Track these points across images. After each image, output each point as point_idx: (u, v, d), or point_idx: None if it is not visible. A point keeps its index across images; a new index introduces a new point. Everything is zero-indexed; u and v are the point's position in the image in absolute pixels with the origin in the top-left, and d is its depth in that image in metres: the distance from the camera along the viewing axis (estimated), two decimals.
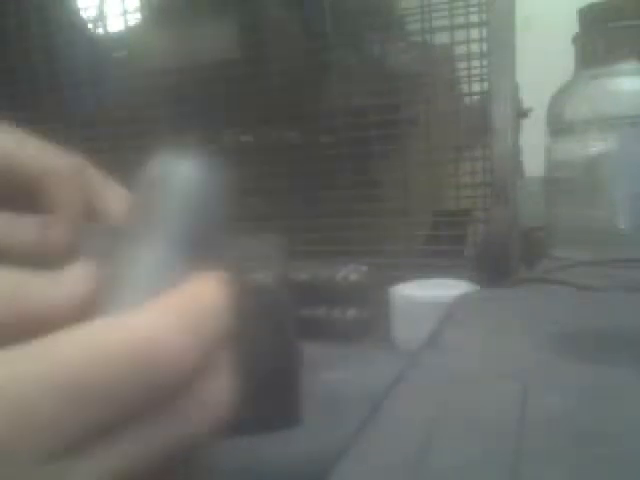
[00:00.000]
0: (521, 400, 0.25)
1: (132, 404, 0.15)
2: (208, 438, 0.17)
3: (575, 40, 0.72)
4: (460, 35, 0.67)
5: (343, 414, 0.39)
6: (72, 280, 0.17)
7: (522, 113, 0.76)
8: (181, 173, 0.18)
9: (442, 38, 0.68)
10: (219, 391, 0.17)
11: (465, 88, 0.71)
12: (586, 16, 0.70)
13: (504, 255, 0.63)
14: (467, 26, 0.66)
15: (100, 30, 0.80)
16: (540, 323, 0.36)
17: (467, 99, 0.72)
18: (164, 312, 0.16)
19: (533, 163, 0.83)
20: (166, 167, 0.18)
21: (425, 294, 0.52)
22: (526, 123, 0.82)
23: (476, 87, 0.69)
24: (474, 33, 0.66)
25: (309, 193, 0.71)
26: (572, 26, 0.72)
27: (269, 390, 0.38)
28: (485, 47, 0.65)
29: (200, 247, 0.18)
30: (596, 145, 0.66)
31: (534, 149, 0.77)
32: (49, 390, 0.14)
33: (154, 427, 0.16)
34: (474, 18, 0.66)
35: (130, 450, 0.15)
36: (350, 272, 0.57)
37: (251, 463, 0.36)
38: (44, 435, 0.14)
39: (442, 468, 0.20)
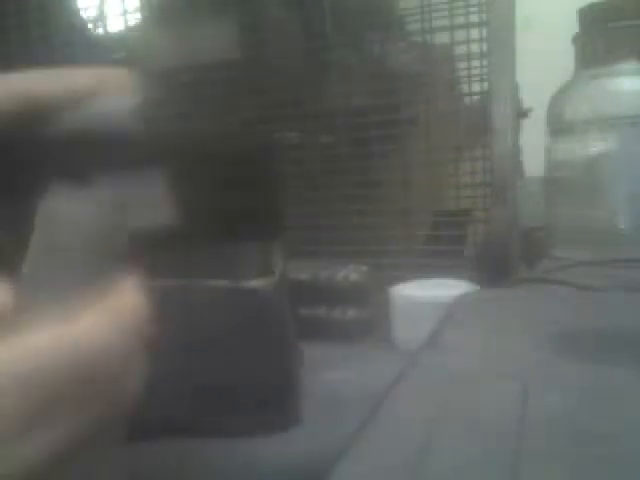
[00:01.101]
0: (521, 400, 0.25)
1: (72, 395, 0.17)
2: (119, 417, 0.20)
3: (575, 40, 0.72)
4: (460, 35, 0.67)
5: (343, 414, 0.39)
6: None
7: (522, 113, 0.76)
8: (74, 209, 0.19)
9: (442, 38, 0.68)
10: (134, 380, 0.20)
11: (465, 88, 0.71)
12: (586, 16, 0.70)
13: (504, 255, 0.63)
14: (467, 26, 0.66)
15: (100, 30, 0.80)
16: (540, 323, 0.36)
17: (467, 99, 0.72)
18: (98, 316, 0.18)
19: (533, 163, 0.83)
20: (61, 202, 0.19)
21: (425, 294, 0.52)
22: (526, 123, 0.82)
23: (476, 87, 0.69)
24: (474, 33, 0.66)
25: (309, 193, 0.71)
26: (572, 26, 0.72)
27: (269, 390, 0.38)
28: (485, 47, 0.65)
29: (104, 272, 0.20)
30: (596, 145, 0.66)
31: (534, 149, 0.77)
32: (12, 381, 0.16)
33: (83, 413, 0.18)
34: (474, 18, 0.66)
35: (61, 434, 0.17)
36: (350, 272, 0.57)
37: (251, 463, 0.36)
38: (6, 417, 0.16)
39: (442, 468, 0.20)
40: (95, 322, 0.18)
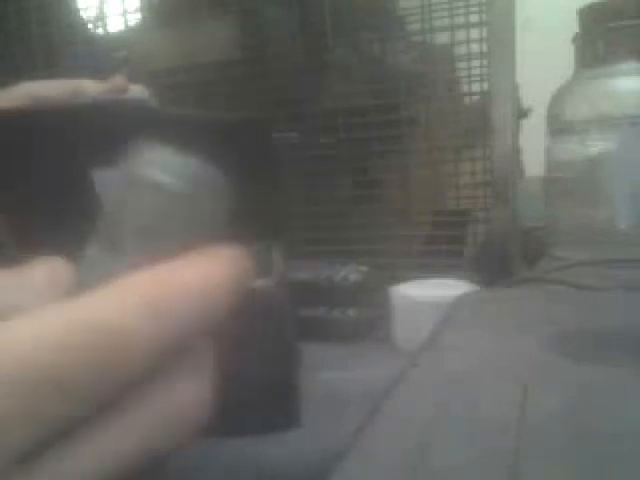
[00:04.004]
0: (521, 400, 0.25)
1: (89, 398, 0.13)
2: (178, 443, 0.15)
3: (575, 40, 0.72)
4: (460, 35, 0.67)
5: (343, 414, 0.39)
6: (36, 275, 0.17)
7: (522, 113, 0.76)
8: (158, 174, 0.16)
9: (442, 38, 0.68)
10: (192, 391, 0.15)
11: (465, 88, 0.71)
12: (586, 16, 0.70)
13: (504, 255, 0.63)
14: (467, 26, 0.66)
15: (100, 30, 0.80)
16: (540, 323, 0.36)
17: (467, 99, 0.72)
18: (126, 293, 0.14)
19: (533, 163, 0.83)
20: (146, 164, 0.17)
21: (425, 294, 0.52)
22: (526, 123, 0.82)
23: (476, 87, 0.69)
24: (474, 33, 0.66)
25: (309, 193, 0.71)
26: (572, 26, 0.72)
27: (269, 391, 0.38)
28: (485, 47, 0.65)
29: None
30: (596, 145, 0.66)
31: (534, 149, 0.77)
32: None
33: (118, 430, 0.14)
34: (474, 18, 0.66)
35: (91, 456, 0.14)
36: (350, 272, 0.57)
37: (251, 463, 0.36)
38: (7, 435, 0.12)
39: (442, 468, 0.20)
40: (121, 299, 0.14)
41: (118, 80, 0.37)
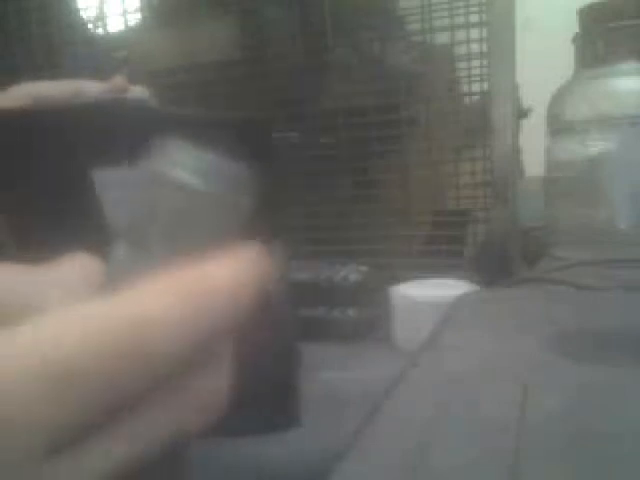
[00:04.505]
0: (521, 400, 0.25)
1: (122, 392, 0.14)
2: (195, 435, 0.16)
3: (575, 40, 0.72)
4: (460, 35, 0.67)
5: (343, 414, 0.39)
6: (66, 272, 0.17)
7: (522, 113, 0.76)
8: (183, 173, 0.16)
9: (442, 38, 0.68)
10: (214, 386, 0.16)
11: (465, 88, 0.71)
12: (586, 16, 0.70)
13: (504, 255, 0.63)
14: (467, 26, 0.66)
15: (100, 30, 0.80)
16: (540, 323, 0.36)
17: (467, 99, 0.72)
18: (161, 291, 0.14)
19: (533, 163, 0.83)
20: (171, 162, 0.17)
21: (425, 294, 0.52)
22: (526, 123, 0.82)
23: (476, 87, 0.69)
24: (474, 33, 0.66)
25: (309, 193, 0.71)
26: (572, 26, 0.72)
27: (269, 391, 0.38)
28: (485, 47, 0.65)
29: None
30: (596, 145, 0.66)
31: (534, 149, 0.77)
32: (36, 377, 0.12)
33: (145, 422, 0.15)
34: (474, 18, 0.66)
35: (122, 447, 0.14)
36: (350, 272, 0.57)
37: (251, 463, 0.36)
38: (37, 430, 0.12)
39: (442, 468, 0.20)
40: (156, 297, 0.14)
41: (118, 80, 0.37)
